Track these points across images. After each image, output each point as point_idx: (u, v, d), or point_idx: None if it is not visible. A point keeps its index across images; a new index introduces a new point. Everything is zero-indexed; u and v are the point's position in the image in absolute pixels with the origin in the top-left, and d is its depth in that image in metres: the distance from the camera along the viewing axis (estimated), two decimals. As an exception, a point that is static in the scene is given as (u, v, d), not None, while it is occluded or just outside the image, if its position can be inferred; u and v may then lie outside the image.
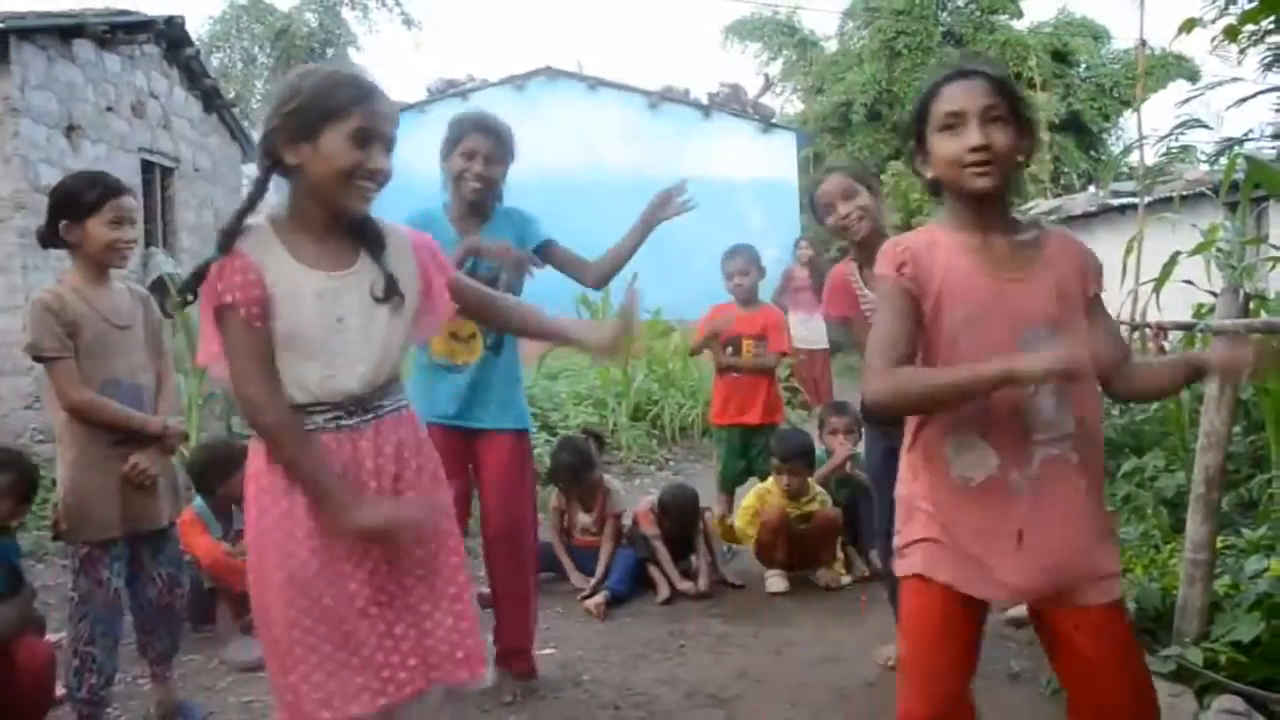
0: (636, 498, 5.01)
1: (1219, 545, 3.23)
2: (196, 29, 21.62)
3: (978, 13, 19.18)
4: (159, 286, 8.45)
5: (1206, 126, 6.10)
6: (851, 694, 3.35)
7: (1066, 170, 18.76)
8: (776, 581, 4.50)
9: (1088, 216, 11.55)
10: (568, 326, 2.34)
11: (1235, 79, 5.29)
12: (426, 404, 3.23)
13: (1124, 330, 3.50)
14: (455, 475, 3.21)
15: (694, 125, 15.67)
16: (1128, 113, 19.16)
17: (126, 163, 9.34)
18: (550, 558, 4.75)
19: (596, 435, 5.19)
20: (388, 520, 1.95)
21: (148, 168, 9.99)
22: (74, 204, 2.88)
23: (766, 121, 16.28)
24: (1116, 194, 11.54)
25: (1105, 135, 20.10)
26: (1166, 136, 6.79)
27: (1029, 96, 1.92)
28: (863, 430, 4.07)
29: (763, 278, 5.29)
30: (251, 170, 12.49)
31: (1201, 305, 4.61)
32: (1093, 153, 19.67)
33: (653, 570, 4.51)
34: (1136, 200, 6.68)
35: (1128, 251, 5.25)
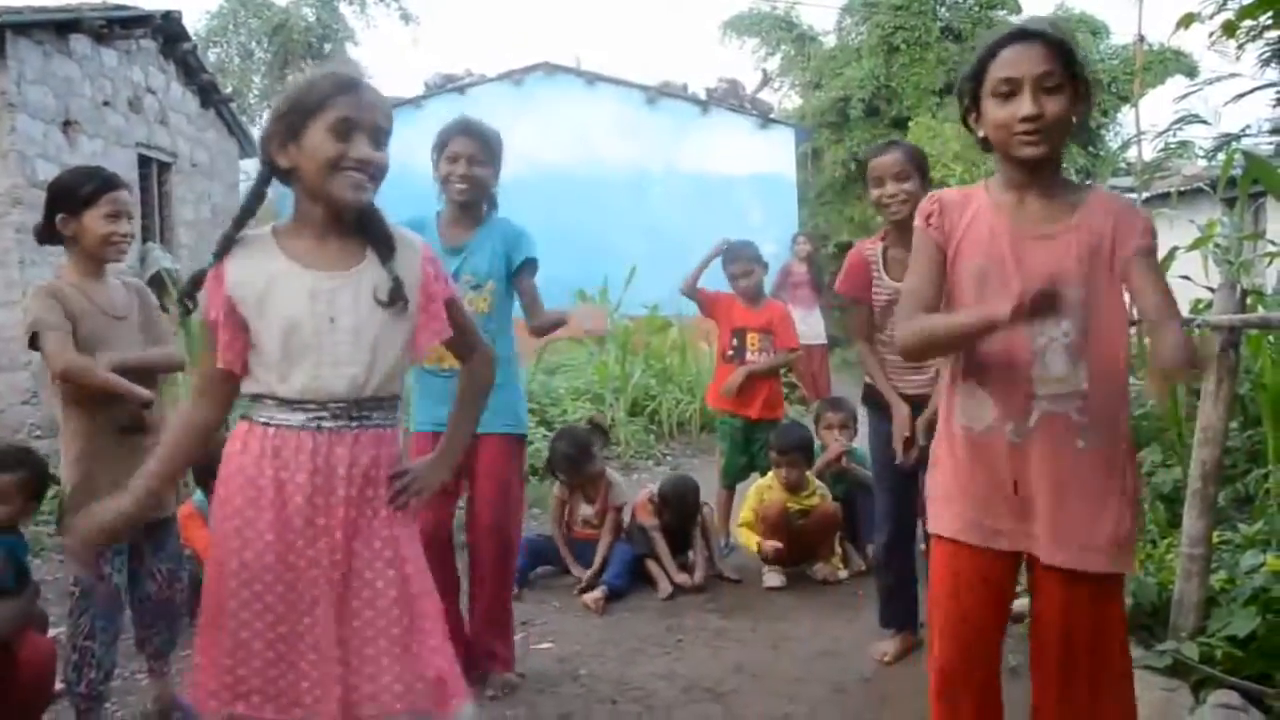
0: (634, 492, 5.01)
1: (1215, 540, 3.24)
2: (193, 24, 21.56)
3: (976, 7, 19.15)
4: (156, 282, 8.45)
5: (1204, 122, 6.11)
6: (849, 688, 3.35)
7: (1064, 165, 18.74)
8: (774, 576, 4.51)
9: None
10: (446, 444, 2.25)
11: (1233, 74, 5.29)
12: (422, 412, 3.26)
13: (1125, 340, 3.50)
14: (450, 482, 3.23)
15: (692, 120, 15.64)
16: (1126, 108, 19.15)
17: (123, 158, 9.33)
18: (549, 551, 4.75)
19: (600, 426, 5.19)
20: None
21: (145, 163, 9.98)
22: (70, 197, 2.88)
23: (764, 117, 16.26)
24: (1114, 189, 11.55)
25: (1103, 131, 20.09)
26: (1164, 132, 6.80)
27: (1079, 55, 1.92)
28: (862, 423, 4.05)
29: (765, 273, 5.29)
30: (249, 166, 12.47)
31: (1199, 301, 4.62)
32: (1090, 148, 19.68)
33: (651, 565, 4.52)
34: (1134, 195, 6.68)
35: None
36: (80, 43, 8.79)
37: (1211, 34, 3.98)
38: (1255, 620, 2.89)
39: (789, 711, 3.19)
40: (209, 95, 11.51)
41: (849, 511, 4.69)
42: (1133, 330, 4.91)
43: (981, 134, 2.00)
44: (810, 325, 8.66)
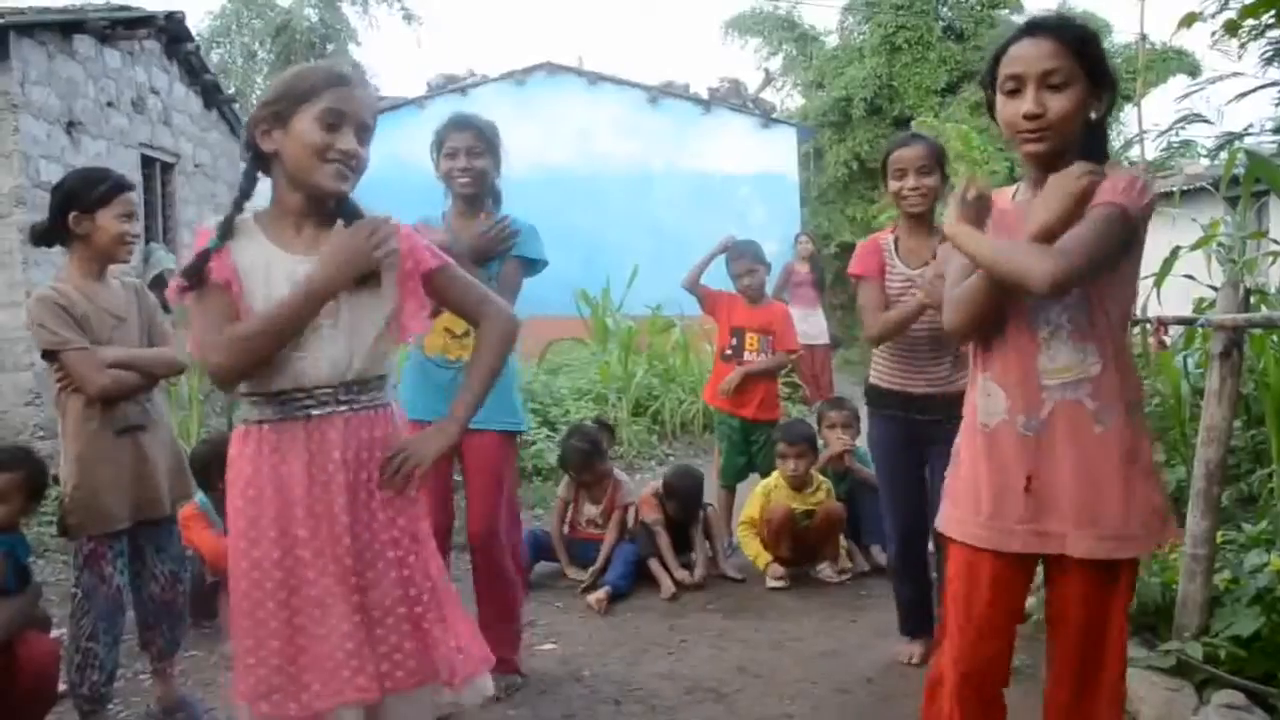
0: (638, 492, 5.01)
1: (1219, 540, 3.24)
2: (196, 24, 21.58)
3: (978, 6, 19.12)
4: (159, 282, 8.45)
5: (1207, 121, 6.11)
6: (851, 688, 3.35)
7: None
8: (775, 570, 4.50)
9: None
10: (462, 399, 2.20)
11: (1236, 74, 5.29)
12: (420, 401, 3.21)
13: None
14: (443, 473, 3.23)
15: (694, 120, 15.63)
16: (1128, 107, 19.14)
17: (127, 158, 9.33)
18: (550, 545, 4.76)
19: (607, 426, 5.20)
20: None
21: (148, 163, 9.98)
22: (85, 197, 2.91)
23: (767, 116, 16.25)
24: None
25: (1106, 130, 20.06)
26: (1167, 131, 6.79)
27: (1099, 47, 1.90)
28: (865, 420, 4.04)
29: (768, 273, 5.29)
30: (251, 166, 12.48)
31: (1202, 300, 4.61)
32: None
33: (654, 565, 4.52)
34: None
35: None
36: (84, 43, 8.79)
37: (1214, 33, 3.98)
38: (1259, 620, 2.89)
39: (792, 712, 3.19)
40: (212, 96, 11.50)
41: (852, 511, 4.69)
42: (1135, 329, 4.93)
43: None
44: (812, 325, 8.66)
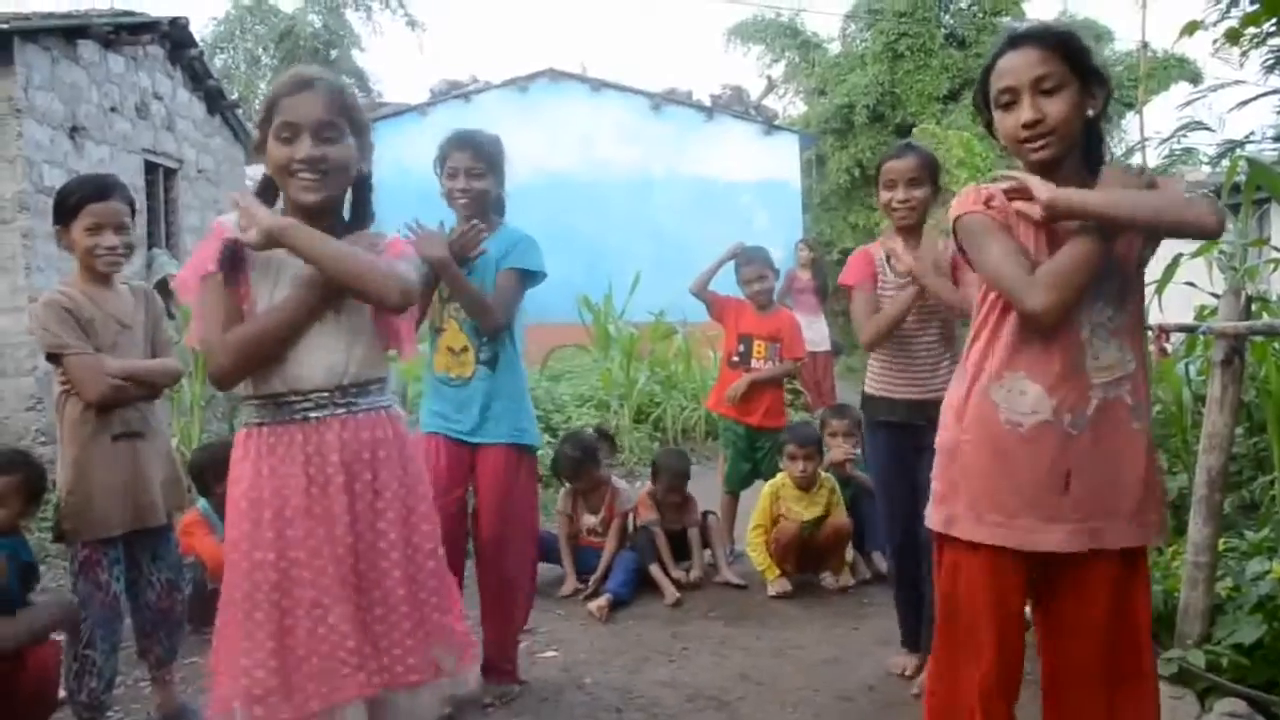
0: (635, 498, 5.01)
1: (1221, 547, 3.23)
2: (200, 30, 21.61)
3: (980, 14, 19.15)
4: (162, 288, 8.46)
5: (1208, 129, 6.11)
6: (853, 696, 3.35)
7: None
8: (779, 583, 4.50)
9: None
10: None
11: (1237, 81, 5.30)
12: (433, 416, 3.28)
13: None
14: (457, 486, 3.25)
15: (696, 127, 15.65)
16: (1130, 115, 19.16)
17: (130, 164, 9.35)
18: (552, 547, 4.76)
19: (607, 435, 5.20)
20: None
21: (151, 169, 9.99)
22: (59, 210, 2.94)
23: (769, 123, 16.27)
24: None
25: (1107, 137, 20.07)
26: (1169, 139, 6.81)
27: (1088, 46, 1.92)
28: (863, 431, 4.04)
29: (777, 279, 5.29)
30: (255, 171, 12.49)
31: (1204, 307, 4.61)
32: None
33: (655, 571, 4.51)
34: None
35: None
36: (88, 49, 8.81)
37: (1215, 41, 3.98)
38: (1261, 628, 2.89)
39: (793, 719, 3.19)
40: (215, 101, 11.52)
41: (854, 518, 4.69)
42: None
43: (1004, 142, 2.01)
44: (815, 332, 8.65)
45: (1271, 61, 5.72)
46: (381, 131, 14.47)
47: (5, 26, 7.60)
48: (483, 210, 3.25)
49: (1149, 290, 4.45)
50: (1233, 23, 3.87)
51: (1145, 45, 7.37)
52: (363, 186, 2.20)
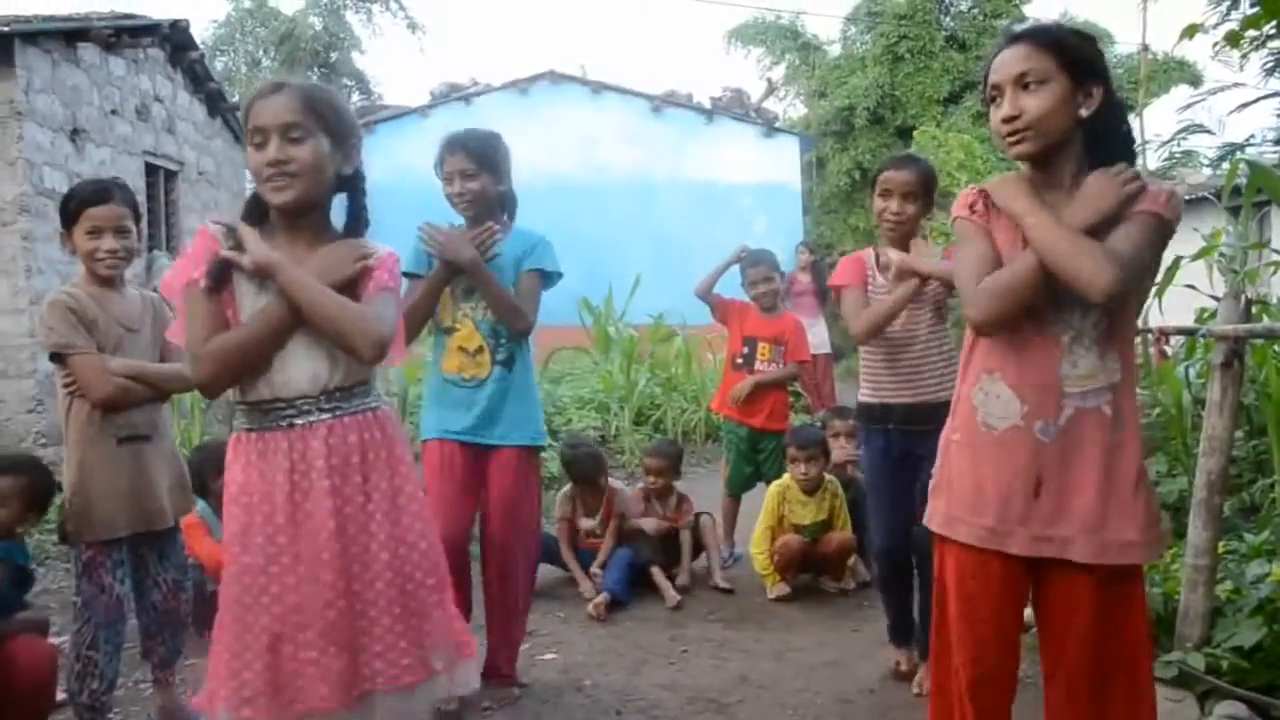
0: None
1: (1221, 550, 3.23)
2: (201, 32, 21.61)
3: (981, 17, 19.17)
4: (162, 290, 8.45)
5: (1209, 131, 6.12)
6: (853, 699, 3.34)
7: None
8: (779, 587, 4.50)
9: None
10: None
11: (1237, 84, 5.32)
12: (440, 419, 3.24)
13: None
14: (467, 490, 3.23)
15: (697, 129, 15.68)
16: (1130, 117, 19.16)
17: (130, 166, 9.36)
18: (553, 549, 4.77)
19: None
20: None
21: (151, 171, 10.01)
22: (63, 213, 2.95)
23: (769, 126, 16.29)
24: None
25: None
26: (1169, 141, 6.82)
27: (1086, 45, 1.93)
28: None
29: (782, 282, 5.28)
30: (255, 174, 12.52)
31: (1204, 310, 4.61)
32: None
33: (656, 574, 4.52)
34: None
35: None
36: (88, 51, 8.82)
37: (1215, 44, 3.99)
38: (1261, 631, 2.89)
39: (793, 722, 3.19)
40: (216, 104, 11.54)
41: (855, 520, 4.69)
42: (1138, 339, 4.93)
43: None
44: (814, 335, 8.62)
45: (1271, 64, 5.73)
46: (382, 134, 14.57)
47: (6, 29, 7.61)
48: (486, 209, 3.23)
49: (1149, 292, 4.45)
50: (1233, 26, 3.87)
51: (1145, 48, 7.37)
52: (355, 191, 2.19)
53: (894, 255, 3.17)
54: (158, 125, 10.16)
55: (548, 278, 3.28)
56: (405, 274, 3.15)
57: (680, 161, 15.35)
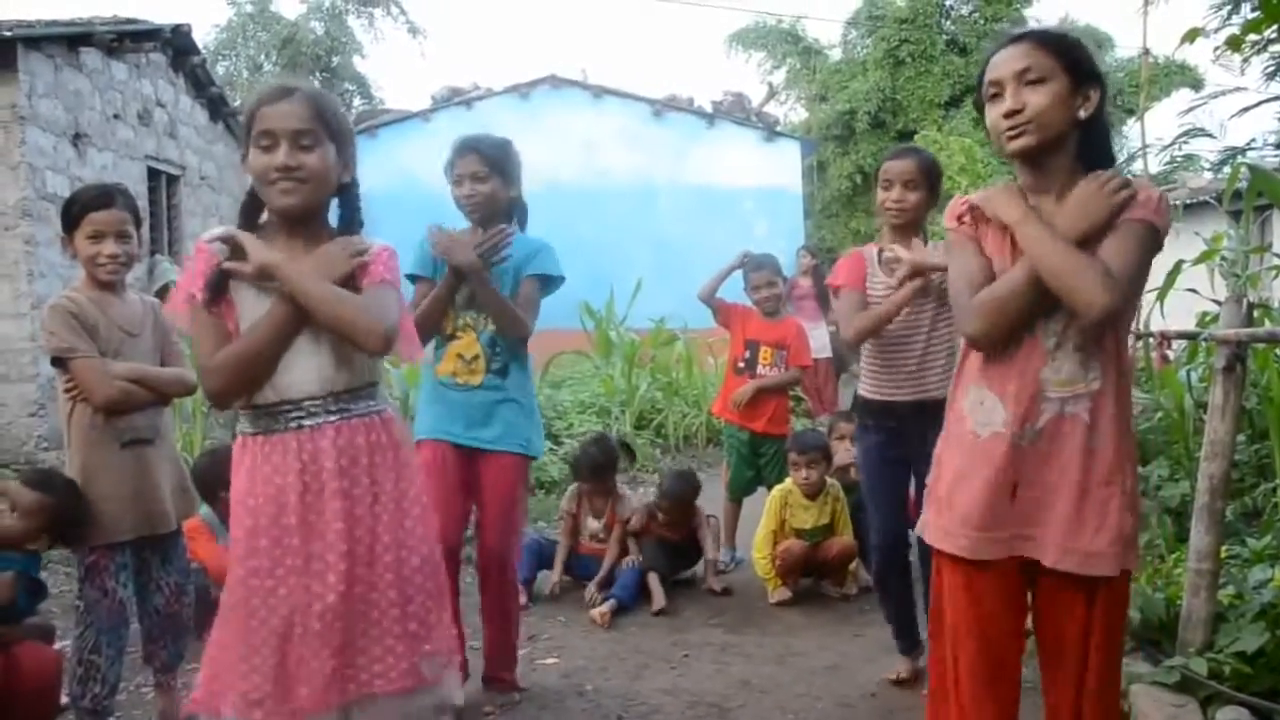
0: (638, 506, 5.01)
1: (1223, 555, 3.22)
2: (203, 37, 21.63)
3: (981, 21, 19.19)
4: (164, 294, 8.47)
5: (1210, 135, 6.11)
6: (854, 703, 3.34)
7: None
8: (780, 591, 4.50)
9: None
10: None
11: (1238, 88, 5.31)
12: (434, 421, 3.24)
13: (1128, 339, 3.48)
14: (458, 492, 3.22)
15: (698, 133, 15.68)
16: (1131, 121, 19.17)
17: (133, 170, 9.38)
18: (552, 554, 4.77)
19: (628, 446, 5.20)
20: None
21: (153, 175, 10.02)
22: (64, 218, 2.95)
23: (770, 130, 16.30)
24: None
25: (1107, 132, 20.05)
26: (1170, 145, 6.80)
27: (1085, 49, 1.95)
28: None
29: (785, 287, 5.29)
30: (257, 178, 12.54)
31: (1205, 314, 4.61)
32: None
33: (652, 580, 4.51)
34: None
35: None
36: (91, 56, 8.84)
37: (1216, 48, 3.99)
38: (1264, 636, 2.88)
39: (795, 727, 3.19)
40: (218, 108, 11.56)
41: (857, 525, 4.68)
42: (1139, 343, 4.93)
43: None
44: (815, 339, 8.61)
45: (1272, 68, 5.72)
46: (384, 138, 14.58)
47: (9, 34, 7.63)
48: (494, 214, 3.23)
49: (1150, 297, 4.46)
50: (1234, 30, 3.88)
51: (1146, 52, 7.37)
52: (349, 195, 2.20)
53: (902, 253, 3.15)
54: (160, 130, 10.17)
55: (550, 282, 3.28)
56: (410, 276, 3.17)
57: (681, 165, 15.35)
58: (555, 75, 15.64)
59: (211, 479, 3.97)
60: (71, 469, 2.92)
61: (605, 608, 4.27)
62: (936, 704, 2.11)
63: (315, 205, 2.10)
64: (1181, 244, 5.17)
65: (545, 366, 9.01)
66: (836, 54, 21.47)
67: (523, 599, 4.31)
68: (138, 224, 3.01)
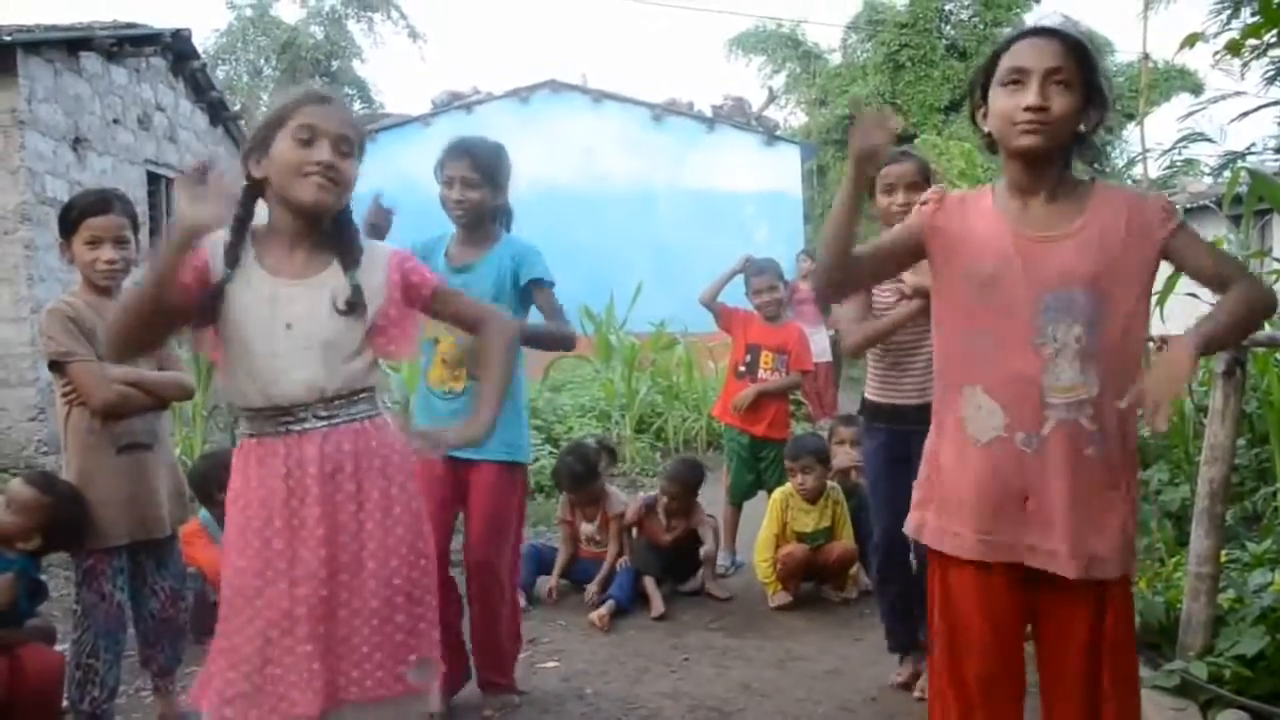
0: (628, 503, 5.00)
1: (1223, 559, 3.22)
2: (202, 41, 21.67)
3: (981, 25, 19.22)
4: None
5: (1210, 140, 6.10)
6: (855, 707, 3.34)
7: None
8: (781, 595, 4.50)
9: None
10: (483, 402, 2.25)
11: (1238, 93, 5.29)
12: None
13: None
14: (446, 501, 3.19)
15: (698, 138, 15.69)
16: (1131, 126, 19.19)
17: (132, 175, 9.38)
18: (553, 560, 4.77)
19: (608, 447, 5.19)
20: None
21: (153, 180, 10.02)
22: (62, 222, 2.96)
23: (770, 134, 16.31)
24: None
25: (1109, 148, 20.13)
26: (1170, 150, 6.78)
27: (1105, 72, 1.93)
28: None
29: (786, 291, 5.29)
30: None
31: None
32: (1096, 165, 19.67)
33: (648, 584, 4.51)
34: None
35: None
36: (90, 61, 8.84)
37: (1216, 53, 3.98)
38: (1264, 639, 2.88)
39: (795, 731, 3.18)
40: (218, 112, 11.57)
41: (858, 528, 4.68)
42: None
43: (986, 130, 1.98)
44: (816, 343, 8.62)
45: (1272, 73, 5.71)
46: (383, 142, 14.57)
47: (8, 38, 7.63)
48: (479, 220, 3.23)
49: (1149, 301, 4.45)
50: (1233, 34, 3.87)
51: (1146, 56, 7.35)
52: (348, 209, 2.19)
53: (907, 277, 3.13)
54: (159, 134, 10.18)
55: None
56: None
57: (681, 170, 15.36)
58: (555, 80, 15.64)
59: (208, 482, 3.97)
60: (68, 473, 2.92)
61: (604, 610, 4.27)
62: (937, 707, 2.11)
63: (336, 211, 2.09)
64: (1181, 248, 5.17)
65: (545, 370, 9.01)
66: (836, 58, 21.50)
67: (521, 603, 4.31)
68: (136, 229, 3.01)
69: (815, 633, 4.13)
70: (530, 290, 3.24)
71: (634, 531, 4.77)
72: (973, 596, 1.99)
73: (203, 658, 3.77)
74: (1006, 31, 2.04)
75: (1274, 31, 3.60)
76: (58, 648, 3.42)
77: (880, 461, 3.38)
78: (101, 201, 2.95)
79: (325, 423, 2.06)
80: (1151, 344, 4.47)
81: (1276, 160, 6.47)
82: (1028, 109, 1.86)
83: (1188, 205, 8.49)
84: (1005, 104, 1.90)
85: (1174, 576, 3.46)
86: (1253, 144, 6.59)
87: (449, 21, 48.68)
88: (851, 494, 4.82)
